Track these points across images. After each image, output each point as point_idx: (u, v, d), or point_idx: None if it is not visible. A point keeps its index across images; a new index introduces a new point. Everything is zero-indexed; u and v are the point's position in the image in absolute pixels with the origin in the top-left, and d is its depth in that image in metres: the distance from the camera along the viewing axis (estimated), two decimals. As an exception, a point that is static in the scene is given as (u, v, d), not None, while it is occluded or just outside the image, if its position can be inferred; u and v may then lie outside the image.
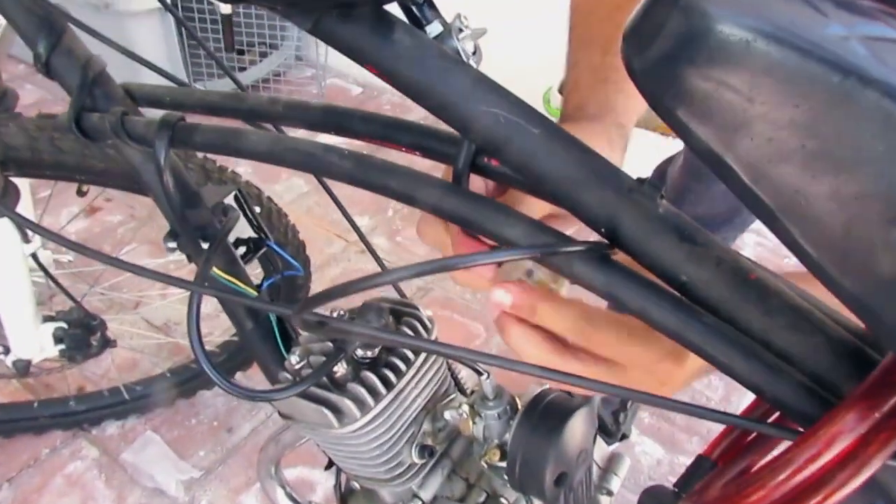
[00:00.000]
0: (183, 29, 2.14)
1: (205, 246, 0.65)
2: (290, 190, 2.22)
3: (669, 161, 1.50)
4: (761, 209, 0.30)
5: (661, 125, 2.29)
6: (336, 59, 2.66)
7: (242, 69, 2.59)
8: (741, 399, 1.70)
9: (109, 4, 2.18)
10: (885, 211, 0.27)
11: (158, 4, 2.18)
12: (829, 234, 0.29)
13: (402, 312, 0.67)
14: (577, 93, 0.58)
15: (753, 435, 0.48)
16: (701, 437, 1.61)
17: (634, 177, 0.40)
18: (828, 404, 0.36)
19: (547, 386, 0.63)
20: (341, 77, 2.85)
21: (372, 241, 2.07)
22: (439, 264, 0.35)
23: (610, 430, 0.81)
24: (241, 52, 2.60)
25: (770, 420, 0.47)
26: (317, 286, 1.93)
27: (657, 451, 1.58)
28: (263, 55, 2.68)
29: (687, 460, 1.57)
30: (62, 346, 1.14)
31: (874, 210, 0.27)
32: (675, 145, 1.96)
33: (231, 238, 0.70)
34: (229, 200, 0.66)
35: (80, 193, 1.02)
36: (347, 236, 2.08)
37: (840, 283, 0.30)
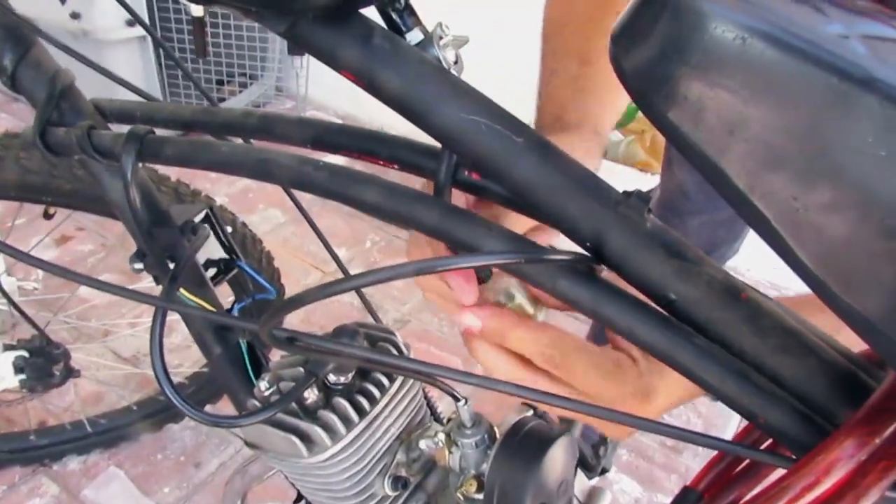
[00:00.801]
0: (161, 52, 2.14)
1: (172, 266, 0.62)
2: (266, 220, 2.20)
3: (651, 191, 1.50)
4: (757, 219, 0.29)
5: (639, 160, 2.30)
6: (316, 91, 2.66)
7: (222, 100, 2.58)
8: (721, 430, 1.68)
9: (88, 32, 2.17)
10: (888, 220, 0.25)
11: (136, 33, 2.18)
12: (829, 246, 0.27)
13: (377, 337, 0.65)
14: (554, 103, 0.58)
15: (742, 466, 0.46)
16: (679, 474, 1.59)
17: (621, 190, 0.38)
18: (823, 431, 0.34)
19: (527, 414, 0.60)
20: (321, 109, 2.85)
21: (349, 269, 2.05)
22: (413, 267, 0.33)
23: (590, 463, 0.78)
24: (220, 83, 2.60)
25: (762, 448, 0.45)
26: (293, 317, 1.90)
27: (635, 489, 1.55)
28: (243, 86, 2.67)
29: (665, 498, 1.55)
30: (23, 376, 1.09)
31: (877, 219, 0.25)
32: (653, 180, 1.97)
33: (201, 258, 0.68)
34: (199, 219, 0.64)
35: (47, 216, 0.99)
36: (324, 267, 2.06)
37: (842, 300, 0.28)
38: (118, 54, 2.24)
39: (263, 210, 2.23)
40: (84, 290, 1.49)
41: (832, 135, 0.26)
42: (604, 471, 0.77)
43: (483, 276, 0.47)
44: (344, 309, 1.94)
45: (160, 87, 2.37)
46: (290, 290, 1.97)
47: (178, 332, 1.65)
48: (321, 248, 0.85)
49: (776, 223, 0.28)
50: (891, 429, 0.31)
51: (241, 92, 2.66)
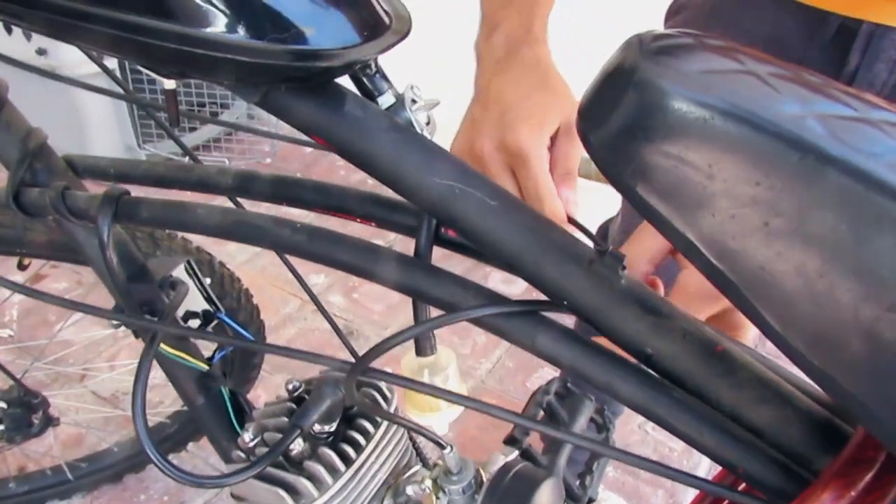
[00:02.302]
0: (131, 84, 2.12)
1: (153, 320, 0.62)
2: (243, 250, 2.18)
3: (610, 221, 1.51)
4: (726, 285, 0.30)
5: (612, 177, 2.32)
6: (289, 118, 2.65)
7: (193, 129, 2.56)
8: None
9: (55, 68, 2.15)
10: (851, 289, 0.26)
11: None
12: (794, 311, 0.28)
13: (360, 383, 0.65)
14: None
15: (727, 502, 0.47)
16: (666, 490, 1.60)
17: (594, 247, 0.39)
18: (801, 479, 0.35)
19: (513, 455, 0.61)
20: (294, 134, 2.84)
21: (328, 298, 2.04)
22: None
23: (576, 493, 0.79)
24: (191, 111, 2.58)
25: (742, 488, 0.46)
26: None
27: (623, 506, 1.56)
28: (214, 115, 2.66)
29: (653, 514, 1.55)
30: (0, 428, 1.08)
31: (840, 288, 0.26)
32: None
33: (181, 311, 0.67)
34: (178, 273, 0.64)
35: (21, 267, 0.98)
36: (302, 295, 2.04)
37: (807, 359, 0.29)
38: (87, 91, 2.22)
39: (240, 240, 2.21)
40: (62, 334, 1.47)
41: (794, 208, 0.27)
42: (590, 501, 0.78)
43: (425, 351, 0.47)
44: (325, 336, 1.93)
45: (131, 120, 2.35)
46: (270, 320, 1.96)
47: (157, 368, 1.63)
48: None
49: (744, 290, 0.29)
50: (865, 479, 0.32)
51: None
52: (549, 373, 1.79)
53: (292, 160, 2.73)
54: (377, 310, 2.06)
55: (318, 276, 2.16)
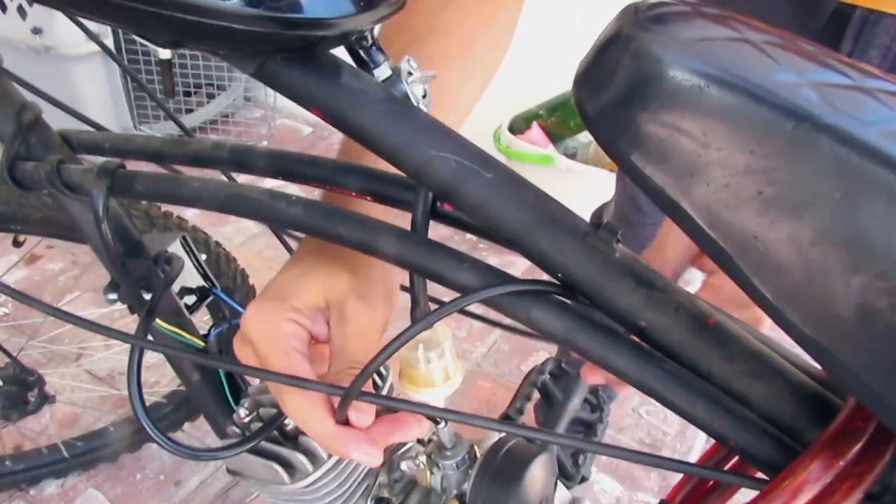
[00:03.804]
0: (128, 77, 2.11)
1: (148, 297, 0.62)
2: (239, 232, 2.18)
3: (604, 206, 1.51)
4: (718, 254, 0.30)
5: (609, 161, 2.33)
6: (285, 100, 2.64)
7: (190, 111, 2.56)
8: (697, 433, 1.71)
9: (50, 48, 2.14)
10: (843, 257, 0.26)
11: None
12: (786, 280, 0.28)
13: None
14: None
15: (714, 481, 0.47)
16: (659, 473, 1.61)
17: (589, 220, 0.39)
18: (791, 452, 0.35)
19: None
20: (291, 117, 2.83)
21: (325, 282, 2.04)
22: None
23: (570, 472, 0.79)
24: (188, 94, 2.57)
25: (730, 466, 0.47)
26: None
27: (616, 488, 1.57)
28: (211, 96, 2.65)
29: (646, 496, 1.57)
30: (-3, 404, 1.08)
31: (832, 256, 0.27)
32: (623, 182, 1.99)
33: (176, 287, 0.67)
34: (174, 248, 0.64)
35: (17, 244, 0.98)
36: (299, 278, 2.04)
37: (799, 329, 0.29)
38: (83, 70, 2.20)
39: (236, 222, 2.21)
40: (56, 312, 1.47)
41: (788, 177, 0.27)
42: (583, 479, 0.79)
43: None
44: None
45: (127, 101, 2.34)
46: (266, 303, 1.95)
47: (153, 349, 1.63)
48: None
49: (737, 258, 0.29)
50: (854, 450, 0.33)
51: (209, 102, 2.63)
52: (544, 356, 1.80)
53: (289, 142, 2.72)
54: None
55: (315, 259, 2.15)
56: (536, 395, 0.79)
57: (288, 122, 2.82)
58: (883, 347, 0.27)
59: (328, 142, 2.66)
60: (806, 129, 0.26)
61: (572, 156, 2.16)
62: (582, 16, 1.87)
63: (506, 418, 0.71)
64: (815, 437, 0.34)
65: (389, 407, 0.44)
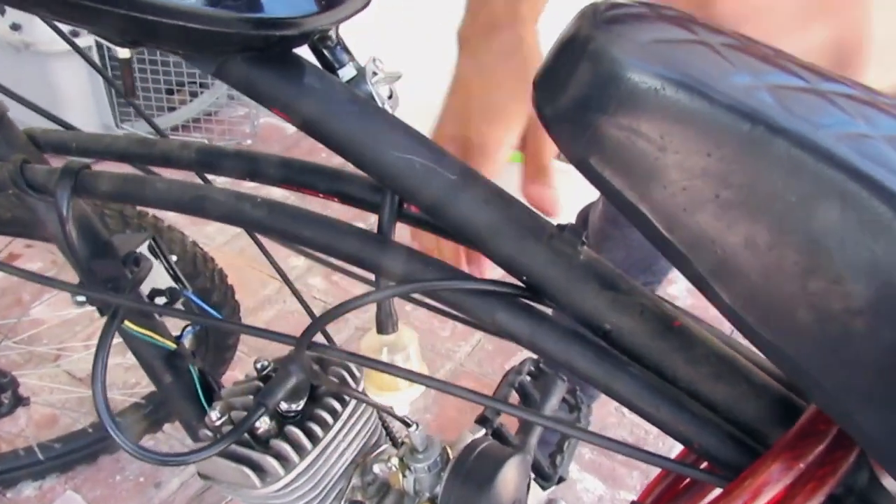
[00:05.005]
0: (108, 62, 2.09)
1: (116, 298, 0.61)
2: (222, 231, 2.17)
3: (591, 206, 1.50)
4: (677, 258, 0.29)
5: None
6: (269, 99, 2.62)
7: (172, 109, 2.53)
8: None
9: (30, 44, 2.11)
10: (800, 261, 0.26)
11: (81, 44, 2.12)
12: (745, 284, 0.28)
13: (328, 362, 0.64)
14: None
15: (687, 481, 0.47)
16: (641, 471, 1.61)
17: (555, 223, 0.39)
18: (755, 453, 0.35)
19: (480, 435, 0.61)
20: (275, 116, 2.81)
21: (308, 281, 2.03)
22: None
23: (547, 473, 0.79)
24: (170, 92, 2.55)
25: (705, 465, 0.47)
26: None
27: (598, 487, 1.57)
28: (194, 94, 2.63)
29: (628, 495, 1.57)
30: (-31, 406, 1.07)
31: (789, 260, 0.26)
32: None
33: (147, 288, 0.66)
34: (142, 249, 0.63)
35: (-11, 243, 0.96)
36: (282, 277, 2.03)
37: (757, 332, 0.29)
38: (63, 67, 2.18)
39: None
40: (35, 312, 1.46)
41: (744, 180, 0.27)
42: (560, 479, 0.79)
43: (386, 329, 0.46)
44: (304, 319, 1.92)
45: (108, 100, 2.31)
46: (248, 302, 1.94)
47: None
48: (278, 258, 0.84)
49: (695, 262, 0.29)
50: (816, 452, 0.33)
51: (192, 100, 2.61)
52: (527, 356, 1.80)
53: (273, 141, 2.71)
54: (357, 293, 2.05)
55: (298, 259, 2.15)
56: (515, 395, 0.79)
57: (272, 121, 2.80)
58: (838, 350, 0.26)
59: (312, 140, 2.65)
60: (761, 132, 0.26)
61: (559, 155, 2.15)
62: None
63: (483, 420, 0.71)
64: (777, 439, 0.34)
65: (345, 360, 0.44)
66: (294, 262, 2.05)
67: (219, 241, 2.13)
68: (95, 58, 2.21)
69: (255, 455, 0.58)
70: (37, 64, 2.13)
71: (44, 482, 1.46)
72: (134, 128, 2.40)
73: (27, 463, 1.37)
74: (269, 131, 2.75)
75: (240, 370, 1.63)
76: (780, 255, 0.26)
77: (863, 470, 0.34)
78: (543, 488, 0.76)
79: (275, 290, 2.03)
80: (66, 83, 2.21)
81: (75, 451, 1.39)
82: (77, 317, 1.71)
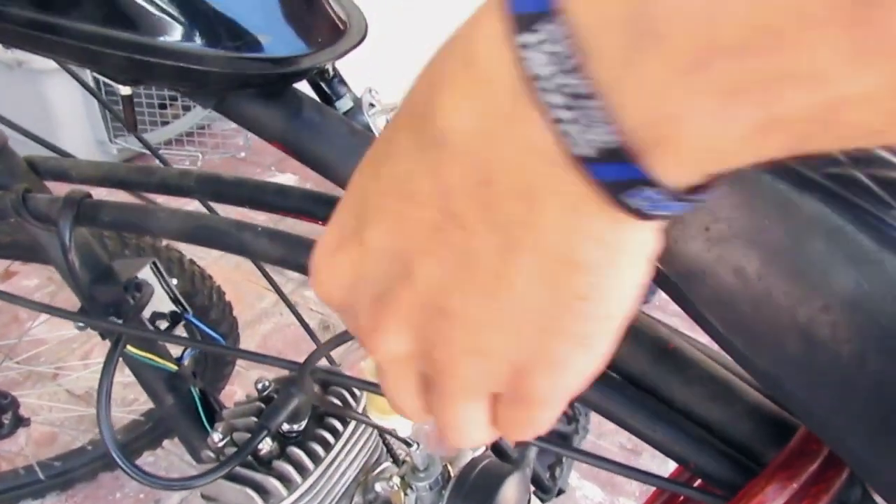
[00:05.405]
0: (102, 87, 2.09)
1: (118, 323, 0.62)
2: (217, 245, 2.17)
3: None
4: (668, 287, 0.30)
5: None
6: (262, 111, 2.62)
7: (165, 123, 2.54)
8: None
9: (23, 62, 2.12)
10: (788, 290, 0.27)
11: (75, 61, 2.12)
12: (735, 313, 0.29)
13: (328, 382, 0.65)
14: None
15: (682, 499, 0.48)
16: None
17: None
18: (751, 472, 0.36)
19: (480, 452, 0.62)
20: (268, 128, 2.81)
21: (304, 293, 2.04)
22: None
23: (546, 485, 0.80)
24: (163, 107, 2.55)
25: (700, 483, 0.47)
26: (248, 342, 1.88)
27: (597, 494, 1.58)
28: (187, 108, 2.63)
29: (627, 501, 1.58)
30: (-32, 428, 1.07)
31: (778, 289, 0.27)
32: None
33: (148, 312, 0.67)
34: (143, 274, 0.64)
35: (-12, 265, 0.97)
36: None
37: (749, 360, 0.30)
38: (56, 84, 2.18)
39: (214, 235, 2.20)
40: (34, 332, 1.46)
41: (733, 214, 0.27)
42: (560, 492, 0.79)
43: None
44: (301, 332, 1.92)
45: (102, 116, 2.32)
46: (245, 316, 1.94)
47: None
48: (275, 271, 0.85)
49: (686, 292, 0.30)
50: (809, 470, 0.34)
51: (184, 114, 2.61)
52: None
53: (266, 154, 2.71)
54: (353, 304, 2.05)
55: (293, 273, 2.14)
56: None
57: (265, 133, 2.81)
58: (827, 377, 0.27)
59: (306, 152, 2.65)
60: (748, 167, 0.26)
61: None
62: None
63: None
64: (772, 458, 0.35)
65: (349, 385, 0.44)
66: (290, 273, 2.06)
67: (215, 254, 2.14)
68: (90, 81, 2.21)
69: (259, 476, 0.59)
70: (30, 81, 2.14)
71: (44, 501, 1.46)
72: (128, 143, 2.41)
73: (27, 482, 1.37)
74: (262, 144, 2.73)
75: (238, 384, 1.63)
76: (770, 285, 0.27)
77: (855, 486, 0.35)
78: (543, 500, 0.76)
79: (271, 303, 2.04)
80: (60, 100, 2.22)
81: (75, 469, 1.39)
82: (75, 336, 1.71)
